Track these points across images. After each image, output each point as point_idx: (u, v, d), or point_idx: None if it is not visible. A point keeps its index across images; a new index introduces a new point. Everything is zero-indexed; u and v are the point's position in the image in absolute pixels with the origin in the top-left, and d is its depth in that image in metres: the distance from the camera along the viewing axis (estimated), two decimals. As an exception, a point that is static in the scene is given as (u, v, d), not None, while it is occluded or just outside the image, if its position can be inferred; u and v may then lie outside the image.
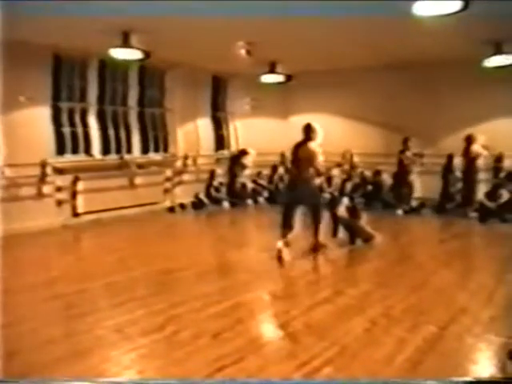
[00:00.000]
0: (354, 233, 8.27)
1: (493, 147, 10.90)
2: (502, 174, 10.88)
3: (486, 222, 10.12)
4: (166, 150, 13.01)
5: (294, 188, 7.96)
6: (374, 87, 12.92)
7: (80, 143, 11.04)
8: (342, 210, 8.31)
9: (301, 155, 7.86)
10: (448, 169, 11.49)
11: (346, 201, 8.47)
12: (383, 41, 9.83)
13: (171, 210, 12.09)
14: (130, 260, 7.46)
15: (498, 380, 3.62)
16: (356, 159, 12.50)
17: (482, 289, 5.79)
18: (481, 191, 10.85)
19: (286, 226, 7.65)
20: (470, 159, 10.99)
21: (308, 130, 8.01)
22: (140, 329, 4.62)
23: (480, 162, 11.03)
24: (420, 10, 7.08)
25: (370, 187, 12.09)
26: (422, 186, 11.81)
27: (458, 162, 11.37)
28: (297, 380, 3.67)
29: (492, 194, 10.51)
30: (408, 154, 11.52)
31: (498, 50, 9.69)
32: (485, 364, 3.97)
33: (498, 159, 11.32)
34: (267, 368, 3.82)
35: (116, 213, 10.88)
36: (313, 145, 7.84)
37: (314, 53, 11.07)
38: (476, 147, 10.91)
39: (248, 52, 10.09)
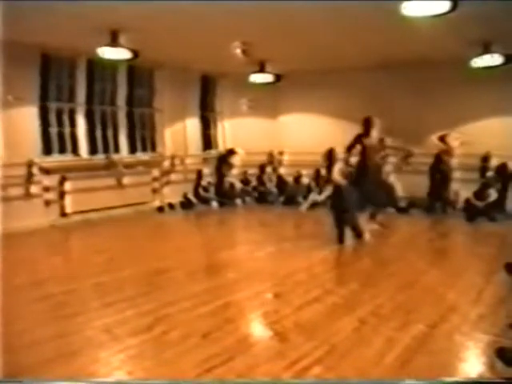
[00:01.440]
0: (348, 219, 8.32)
1: (476, 146, 10.99)
2: (490, 174, 10.96)
3: (473, 220, 10.18)
4: (153, 149, 12.99)
5: None
6: (363, 87, 12.96)
7: (67, 143, 11.00)
8: (337, 176, 8.31)
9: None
10: (436, 168, 11.56)
11: (341, 165, 8.45)
12: (373, 41, 9.88)
13: (160, 209, 12.09)
14: (119, 260, 7.45)
15: (494, 380, 3.64)
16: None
17: (471, 287, 5.82)
18: (469, 190, 10.92)
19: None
20: (443, 157, 11.23)
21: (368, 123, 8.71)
22: (129, 329, 4.61)
23: (454, 161, 11.30)
24: (409, 10, 7.10)
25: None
26: (411, 185, 11.85)
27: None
28: (288, 380, 3.67)
29: (480, 194, 10.58)
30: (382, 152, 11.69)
31: (487, 51, 9.75)
32: (473, 362, 3.98)
33: (485, 159, 11.43)
34: (257, 368, 3.82)
35: (105, 213, 10.86)
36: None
37: (303, 53, 11.10)
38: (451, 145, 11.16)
39: (244, 52, 10.11)
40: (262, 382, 3.71)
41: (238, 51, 10.12)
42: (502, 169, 10.80)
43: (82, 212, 10.57)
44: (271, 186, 13.74)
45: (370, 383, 3.68)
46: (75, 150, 11.11)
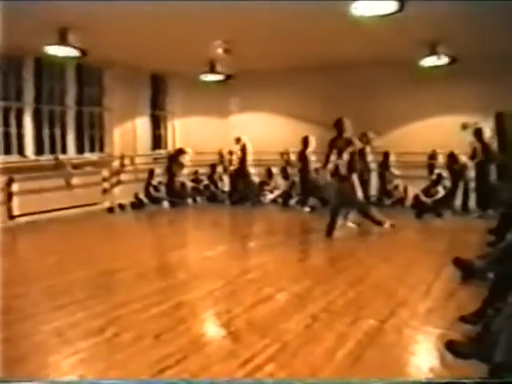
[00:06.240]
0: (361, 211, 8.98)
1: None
2: (437, 171, 11.20)
3: (422, 217, 10.42)
4: (101, 149, 12.84)
5: None
6: (313, 87, 13.13)
7: (13, 143, 10.78)
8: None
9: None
10: (384, 166, 11.79)
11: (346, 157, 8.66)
12: (322, 42, 10.00)
13: (110, 210, 11.94)
14: (70, 262, 7.33)
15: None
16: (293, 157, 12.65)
17: (421, 282, 5.94)
18: (418, 187, 11.17)
19: None
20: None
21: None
22: (81, 332, 4.55)
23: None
24: (357, 10, 7.20)
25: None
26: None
27: (393, 158, 11.70)
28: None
29: (428, 190, 10.83)
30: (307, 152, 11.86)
31: (433, 51, 9.97)
32: (424, 355, 4.07)
33: (432, 156, 11.70)
34: (210, 367, 3.82)
35: (54, 214, 10.66)
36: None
37: (253, 53, 11.13)
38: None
39: (226, 51, 10.09)
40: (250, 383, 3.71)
41: (220, 50, 10.10)
42: (451, 159, 11.02)
43: (30, 214, 10.36)
44: (222, 186, 13.75)
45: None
46: (21, 151, 10.89)
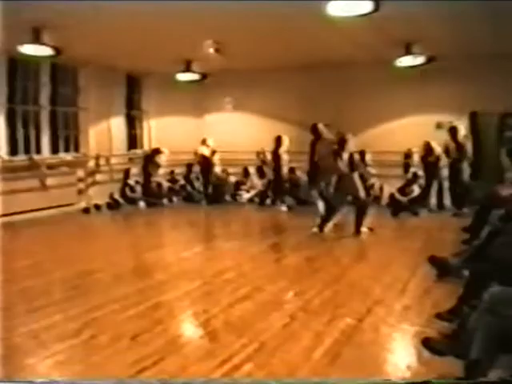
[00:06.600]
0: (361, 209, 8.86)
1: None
2: (412, 170, 11.29)
3: (398, 215, 10.50)
4: (77, 149, 12.73)
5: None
6: (290, 87, 13.17)
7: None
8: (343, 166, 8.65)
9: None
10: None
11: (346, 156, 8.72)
12: (299, 42, 10.02)
13: (86, 211, 11.83)
14: (46, 263, 7.27)
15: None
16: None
17: (397, 280, 5.99)
18: (393, 186, 11.26)
19: None
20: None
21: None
22: (57, 334, 4.51)
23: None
24: (333, 10, 7.23)
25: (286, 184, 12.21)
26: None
27: (369, 157, 11.74)
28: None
29: (404, 189, 10.92)
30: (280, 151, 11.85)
31: (408, 51, 10.06)
32: (401, 353, 4.12)
33: (407, 155, 11.76)
34: (188, 368, 3.82)
35: (29, 215, 10.54)
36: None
37: (230, 52, 11.10)
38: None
39: (217, 50, 10.05)
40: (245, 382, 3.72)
41: (211, 50, 10.05)
42: (426, 150, 11.13)
43: (4, 215, 10.23)
44: (199, 185, 13.69)
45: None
46: (-5, 152, 10.78)
